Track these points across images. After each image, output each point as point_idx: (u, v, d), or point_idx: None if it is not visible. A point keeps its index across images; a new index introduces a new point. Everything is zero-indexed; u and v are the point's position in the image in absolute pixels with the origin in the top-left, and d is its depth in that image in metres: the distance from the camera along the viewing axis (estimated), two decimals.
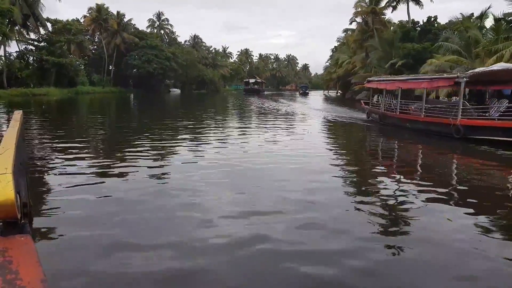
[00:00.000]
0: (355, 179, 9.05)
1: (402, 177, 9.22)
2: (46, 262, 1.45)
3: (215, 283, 4.05)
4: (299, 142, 14.44)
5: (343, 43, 79.56)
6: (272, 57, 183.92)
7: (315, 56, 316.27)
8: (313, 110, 36.23)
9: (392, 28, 54.08)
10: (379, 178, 9.09)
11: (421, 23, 48.72)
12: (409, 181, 8.78)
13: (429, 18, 46.28)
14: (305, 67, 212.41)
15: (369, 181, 8.93)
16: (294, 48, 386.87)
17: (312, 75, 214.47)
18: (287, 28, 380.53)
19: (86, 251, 4.65)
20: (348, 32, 72.16)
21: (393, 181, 8.81)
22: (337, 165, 10.57)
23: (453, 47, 35.06)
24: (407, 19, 51.89)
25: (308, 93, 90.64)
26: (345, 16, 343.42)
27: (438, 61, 35.88)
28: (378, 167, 10.87)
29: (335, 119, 25.83)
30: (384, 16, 55.84)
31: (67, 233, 5.17)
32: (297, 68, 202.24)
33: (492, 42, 29.99)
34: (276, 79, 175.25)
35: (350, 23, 59.75)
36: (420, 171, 10.70)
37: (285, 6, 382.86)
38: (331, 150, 13.97)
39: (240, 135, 16.18)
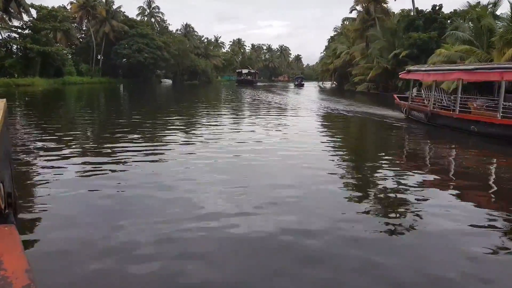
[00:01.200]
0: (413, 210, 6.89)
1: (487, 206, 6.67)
2: (30, 253, 1.59)
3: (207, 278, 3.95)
4: (323, 149, 11.43)
5: (340, 33, 77.48)
6: (265, 47, 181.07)
7: (307, 47, 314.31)
8: (317, 103, 33.37)
9: (394, 17, 51.96)
10: (449, 197, 7.00)
11: (421, 12, 46.68)
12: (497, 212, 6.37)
13: (434, 6, 44.30)
14: (298, 58, 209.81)
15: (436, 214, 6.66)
16: (286, 39, 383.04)
17: (304, 66, 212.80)
18: (279, 18, 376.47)
19: (72, 243, 4.58)
20: (346, 22, 70.19)
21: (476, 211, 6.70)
22: (383, 187, 8.34)
23: (464, 37, 33.17)
24: (410, 8, 49.83)
25: (303, 84, 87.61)
26: (339, 7, 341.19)
27: (448, 51, 33.99)
28: (439, 183, 7.91)
29: (355, 115, 22.31)
30: (386, 5, 53.68)
31: (53, 224, 5.14)
32: (290, 58, 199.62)
33: (510, 31, 28.07)
34: (269, 70, 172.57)
35: (350, 12, 57.59)
36: None
37: None
38: (368, 161, 10.45)
39: (244, 138, 12.55)
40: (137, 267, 4.05)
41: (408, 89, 43.37)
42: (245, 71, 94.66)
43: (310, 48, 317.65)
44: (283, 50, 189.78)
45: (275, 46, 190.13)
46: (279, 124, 16.98)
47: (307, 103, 32.92)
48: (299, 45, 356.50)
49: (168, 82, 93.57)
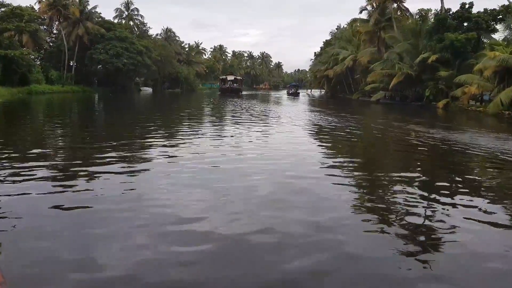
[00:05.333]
0: None
1: None
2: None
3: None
4: None
5: (339, 37, 71.84)
6: (246, 54, 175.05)
7: (284, 55, 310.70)
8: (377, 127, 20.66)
9: (412, 17, 46.38)
10: None
11: (449, 11, 41.22)
12: None
13: (462, 4, 38.81)
14: (279, 65, 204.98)
15: None
16: (263, 47, 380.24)
17: (284, 73, 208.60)
18: (255, 26, 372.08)
19: (44, 260, 4.34)
20: (344, 26, 64.57)
21: None
22: None
23: None
24: (429, 7, 44.28)
25: (299, 93, 79.67)
26: (313, 16, 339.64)
27: (504, 55, 28.38)
28: None
29: None
30: (403, 4, 47.94)
31: (27, 242, 4.77)
32: (271, 66, 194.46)
33: None
34: (250, 77, 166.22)
35: (360, 12, 51.50)
36: None
37: (253, 4, 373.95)
38: None
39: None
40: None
41: (438, 98, 38.09)
42: (230, 77, 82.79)
43: (287, 56, 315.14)
44: (265, 57, 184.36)
45: (255, 53, 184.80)
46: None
47: (354, 125, 21.34)
48: (275, 53, 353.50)
49: (148, 90, 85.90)
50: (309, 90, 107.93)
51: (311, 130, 18.57)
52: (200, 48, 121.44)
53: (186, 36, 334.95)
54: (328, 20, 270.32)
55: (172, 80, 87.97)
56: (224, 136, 14.67)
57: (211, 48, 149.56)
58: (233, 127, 18.38)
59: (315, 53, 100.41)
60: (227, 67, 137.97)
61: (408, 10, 47.12)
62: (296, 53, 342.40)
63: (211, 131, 16.88)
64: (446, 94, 36.87)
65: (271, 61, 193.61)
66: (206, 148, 11.87)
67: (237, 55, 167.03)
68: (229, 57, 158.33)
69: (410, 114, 29.81)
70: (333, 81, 71.82)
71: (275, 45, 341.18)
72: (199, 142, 13.05)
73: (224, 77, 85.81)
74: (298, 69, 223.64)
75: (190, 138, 13.99)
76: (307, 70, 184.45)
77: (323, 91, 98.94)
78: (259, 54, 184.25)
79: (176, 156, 10.42)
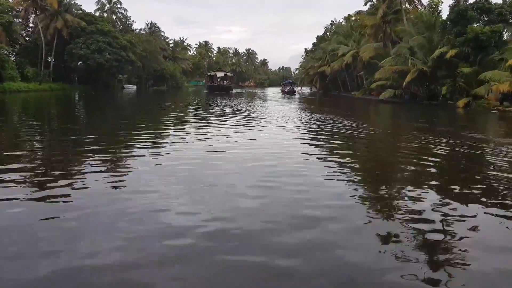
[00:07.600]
0: None
1: None
2: None
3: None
4: None
5: (335, 32, 68.65)
6: (231, 51, 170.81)
7: (268, 52, 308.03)
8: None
9: (425, 9, 43.25)
10: None
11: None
12: None
13: None
14: (264, 62, 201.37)
15: None
16: (246, 44, 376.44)
17: (270, 70, 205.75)
18: (238, 23, 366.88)
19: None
20: (340, 21, 61.34)
21: None
22: None
23: None
24: None
25: (295, 92, 74.66)
26: (296, 13, 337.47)
27: None
28: None
29: None
30: None
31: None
32: (256, 63, 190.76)
33: None
34: (236, 74, 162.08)
35: (365, 4, 48.09)
36: None
37: (236, 0, 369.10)
38: None
39: None
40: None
41: (456, 97, 35.08)
42: (220, 74, 74.75)
43: (270, 54, 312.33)
44: (250, 54, 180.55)
45: (240, 50, 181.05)
46: None
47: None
48: (258, 51, 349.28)
49: (131, 88, 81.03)
50: (299, 88, 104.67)
51: (345, 147, 14.88)
52: (185, 44, 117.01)
53: (170, 33, 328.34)
54: (313, 17, 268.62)
55: (157, 77, 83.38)
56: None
57: (196, 44, 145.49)
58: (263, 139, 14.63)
59: (305, 49, 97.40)
60: (213, 64, 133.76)
61: (420, 1, 43.85)
62: (280, 50, 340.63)
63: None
64: (464, 93, 33.87)
65: (257, 58, 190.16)
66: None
67: (222, 52, 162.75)
68: (214, 54, 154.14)
69: (436, 116, 26.65)
70: (330, 78, 68.71)
71: (258, 43, 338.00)
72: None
73: (212, 73, 78.32)
74: (283, 67, 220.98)
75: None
76: (292, 67, 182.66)
77: (313, 89, 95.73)
78: (245, 51, 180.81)
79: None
